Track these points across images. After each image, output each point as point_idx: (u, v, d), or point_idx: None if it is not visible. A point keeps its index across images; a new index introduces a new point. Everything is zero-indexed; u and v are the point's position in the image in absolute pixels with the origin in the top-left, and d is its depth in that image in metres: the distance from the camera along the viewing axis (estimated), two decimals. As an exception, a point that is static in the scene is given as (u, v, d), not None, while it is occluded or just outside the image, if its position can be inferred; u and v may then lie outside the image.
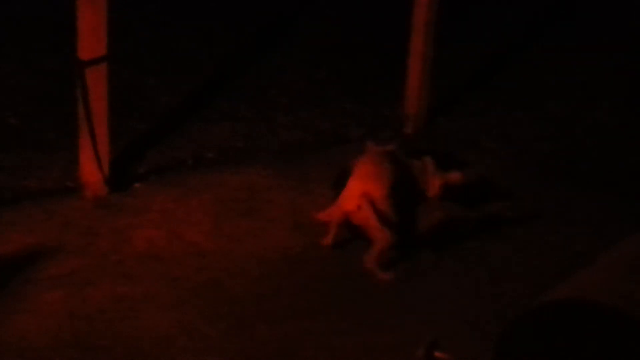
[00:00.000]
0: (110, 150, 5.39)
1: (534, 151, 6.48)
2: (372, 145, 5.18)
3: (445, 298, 4.69)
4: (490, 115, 6.98)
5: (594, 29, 8.90)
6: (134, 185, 5.56)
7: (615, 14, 9.23)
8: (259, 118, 6.64)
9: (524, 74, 7.83)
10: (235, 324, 4.36)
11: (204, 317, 4.39)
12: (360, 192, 4.81)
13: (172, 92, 6.89)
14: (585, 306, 3.42)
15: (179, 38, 7.89)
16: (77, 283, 4.58)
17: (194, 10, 8.47)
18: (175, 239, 5.03)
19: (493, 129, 6.75)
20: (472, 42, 8.29)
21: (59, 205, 5.25)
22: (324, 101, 7.00)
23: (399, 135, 6.48)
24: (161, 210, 5.30)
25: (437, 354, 3.76)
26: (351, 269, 4.88)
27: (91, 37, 5.12)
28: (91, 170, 5.33)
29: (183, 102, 6.76)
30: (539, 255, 5.14)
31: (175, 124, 6.38)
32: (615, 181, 6.06)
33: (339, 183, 5.15)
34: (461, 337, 4.32)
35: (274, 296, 4.61)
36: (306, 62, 7.70)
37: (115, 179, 5.44)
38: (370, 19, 8.63)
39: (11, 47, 7.08)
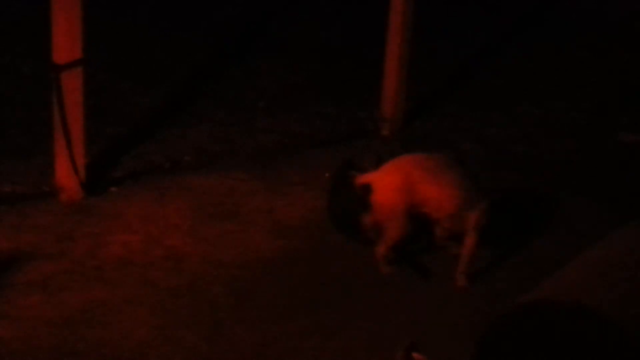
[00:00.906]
0: (86, 154, 5.36)
1: (508, 152, 6.50)
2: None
3: (424, 300, 4.69)
4: (466, 117, 7.00)
5: (569, 30, 8.96)
6: (110, 189, 5.53)
7: (589, 14, 9.30)
8: (236, 122, 6.62)
9: (499, 76, 7.86)
10: (213, 328, 4.35)
11: (181, 321, 4.38)
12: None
13: (148, 96, 6.87)
14: (561, 306, 3.43)
15: (155, 42, 7.87)
16: (53, 288, 4.55)
17: (170, 14, 8.44)
18: (152, 243, 5.01)
19: (469, 131, 6.77)
20: (448, 44, 8.31)
21: (35, 210, 5.22)
22: (301, 105, 7.00)
23: (376, 137, 6.48)
24: (137, 214, 5.28)
25: (415, 355, 3.76)
26: (329, 272, 4.87)
27: (66, 41, 5.10)
28: (67, 175, 5.30)
29: (159, 106, 6.74)
30: (517, 256, 5.15)
31: (152, 128, 6.36)
32: (589, 182, 6.09)
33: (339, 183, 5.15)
34: (439, 339, 4.32)
35: (252, 300, 4.60)
36: (283, 66, 7.69)
37: (91, 184, 5.41)
38: (346, 23, 8.64)
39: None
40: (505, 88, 7.66)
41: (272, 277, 4.80)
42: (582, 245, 4.08)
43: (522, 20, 9.27)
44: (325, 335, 4.35)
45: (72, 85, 5.17)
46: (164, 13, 8.46)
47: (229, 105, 6.86)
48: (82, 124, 5.27)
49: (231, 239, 5.13)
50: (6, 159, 5.70)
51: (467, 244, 4.82)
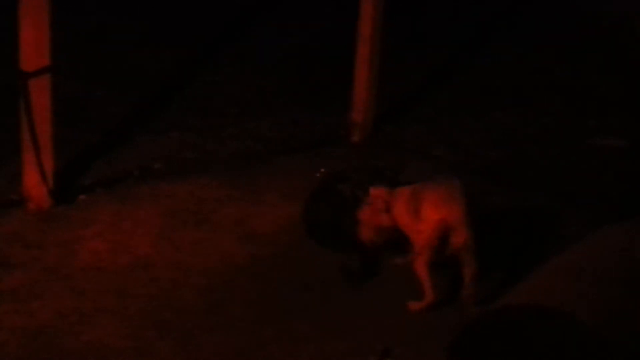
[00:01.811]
0: (55, 162, 5.31)
1: (481, 158, 6.51)
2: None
3: (396, 307, 4.68)
4: (438, 122, 7.00)
5: (543, 34, 9.01)
6: (80, 197, 5.49)
7: (563, 19, 9.36)
8: (207, 128, 6.60)
9: (471, 81, 7.88)
10: (184, 336, 4.32)
11: (152, 329, 4.34)
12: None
13: (118, 103, 6.83)
14: (532, 311, 3.44)
15: (126, 49, 7.83)
16: (22, 297, 4.50)
17: (141, 21, 8.41)
18: (122, 251, 4.97)
19: (441, 136, 6.77)
20: (420, 49, 8.33)
21: (3, 219, 5.17)
22: (273, 111, 6.98)
23: (346, 143, 6.48)
24: (107, 222, 5.24)
25: (388, 361, 3.76)
26: (300, 278, 4.86)
27: (33, 48, 5.06)
28: (35, 183, 5.25)
29: (130, 113, 6.70)
30: (489, 261, 5.15)
31: (122, 135, 6.32)
32: (562, 186, 6.11)
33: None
34: (412, 345, 4.31)
35: (223, 307, 4.57)
36: (254, 72, 7.67)
37: (60, 191, 5.37)
38: (318, 28, 8.64)
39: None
40: (478, 93, 7.68)
41: (244, 285, 4.78)
42: (557, 250, 4.09)
43: (499, 24, 9.32)
44: (298, 343, 4.33)
45: (41, 93, 5.13)
46: (134, 20, 8.43)
47: (200, 112, 6.84)
48: (51, 132, 5.23)
49: (202, 246, 5.10)
50: (-26, 167, 5.66)
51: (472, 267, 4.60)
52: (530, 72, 8.19)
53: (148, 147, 6.21)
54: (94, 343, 4.22)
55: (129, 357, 4.16)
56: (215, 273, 4.85)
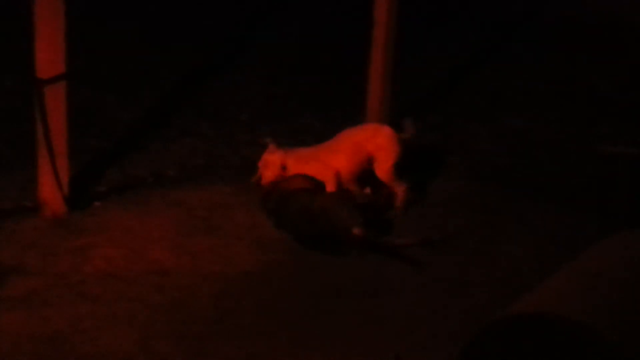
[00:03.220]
0: (69, 168, 5.35)
1: (492, 164, 6.52)
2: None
3: (407, 313, 4.69)
4: (449, 129, 7.02)
5: (553, 40, 9.02)
6: (94, 203, 5.53)
7: (575, 24, 9.37)
8: (219, 135, 6.63)
9: (482, 88, 7.90)
10: (196, 343, 4.33)
11: (165, 336, 4.36)
12: None
13: (132, 110, 6.87)
14: (548, 319, 3.44)
15: (138, 56, 7.87)
16: (36, 304, 4.53)
17: (153, 28, 8.45)
18: (135, 258, 4.99)
19: (452, 143, 6.78)
20: (432, 57, 8.36)
21: (18, 225, 5.21)
22: (284, 117, 7.01)
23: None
24: (121, 228, 5.27)
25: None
26: (312, 285, 4.87)
27: (49, 55, 5.09)
28: (50, 189, 5.29)
29: (143, 120, 6.73)
30: (499, 268, 5.17)
31: (135, 142, 6.35)
32: (570, 193, 6.11)
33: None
34: (422, 352, 4.33)
35: (236, 314, 4.59)
36: (266, 78, 7.70)
37: (74, 198, 5.40)
38: (330, 35, 8.66)
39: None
40: (489, 99, 7.69)
41: (256, 292, 4.79)
42: (564, 257, 4.09)
43: (505, 30, 9.33)
44: (309, 350, 4.34)
45: (56, 100, 5.16)
46: (146, 27, 8.47)
47: (212, 119, 6.87)
48: (66, 139, 5.26)
49: (214, 252, 5.12)
50: (-12, 173, 5.69)
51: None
52: (540, 78, 8.20)
53: (161, 154, 6.25)
54: (107, 349, 4.24)
55: (142, 364, 4.18)
56: (228, 279, 4.87)
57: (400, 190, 5.60)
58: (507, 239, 5.48)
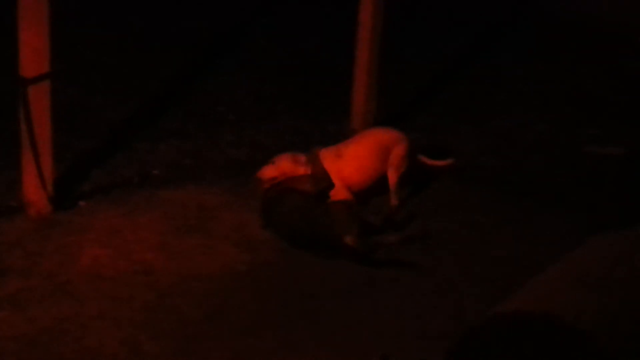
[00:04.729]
0: (54, 168, 5.32)
1: (479, 165, 6.52)
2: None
3: (395, 312, 4.69)
4: (436, 130, 7.01)
5: (541, 42, 9.04)
6: (79, 203, 5.49)
7: (562, 25, 9.39)
8: (205, 135, 6.61)
9: (470, 89, 7.90)
10: (183, 343, 4.31)
11: (151, 336, 4.34)
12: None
13: (117, 110, 6.84)
14: (533, 318, 3.44)
15: (125, 56, 7.84)
16: (21, 304, 4.50)
17: (139, 28, 8.43)
18: (121, 258, 4.97)
19: (439, 144, 6.78)
20: (419, 57, 8.35)
21: (2, 225, 5.17)
22: (271, 118, 6.99)
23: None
24: (107, 228, 5.24)
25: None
26: (299, 285, 4.86)
27: (33, 54, 5.06)
28: (34, 189, 5.25)
29: (129, 120, 6.71)
30: (487, 268, 5.17)
31: (121, 142, 6.32)
32: (558, 194, 6.12)
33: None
34: (410, 351, 4.32)
35: (222, 314, 4.57)
36: (252, 79, 7.69)
37: (59, 198, 5.37)
38: (318, 36, 8.66)
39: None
40: (478, 101, 7.70)
41: (242, 291, 4.78)
42: (552, 257, 4.09)
43: (493, 31, 9.34)
44: (296, 350, 4.33)
45: (40, 99, 5.13)
46: (133, 26, 8.44)
47: (199, 119, 6.84)
48: (50, 138, 5.23)
49: (201, 252, 5.10)
50: (-28, 173, 5.65)
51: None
52: (529, 80, 8.21)
53: (147, 154, 6.22)
54: (92, 349, 4.22)
55: (127, 364, 4.16)
56: (214, 280, 4.85)
57: (394, 201, 5.64)
58: (495, 239, 5.48)
